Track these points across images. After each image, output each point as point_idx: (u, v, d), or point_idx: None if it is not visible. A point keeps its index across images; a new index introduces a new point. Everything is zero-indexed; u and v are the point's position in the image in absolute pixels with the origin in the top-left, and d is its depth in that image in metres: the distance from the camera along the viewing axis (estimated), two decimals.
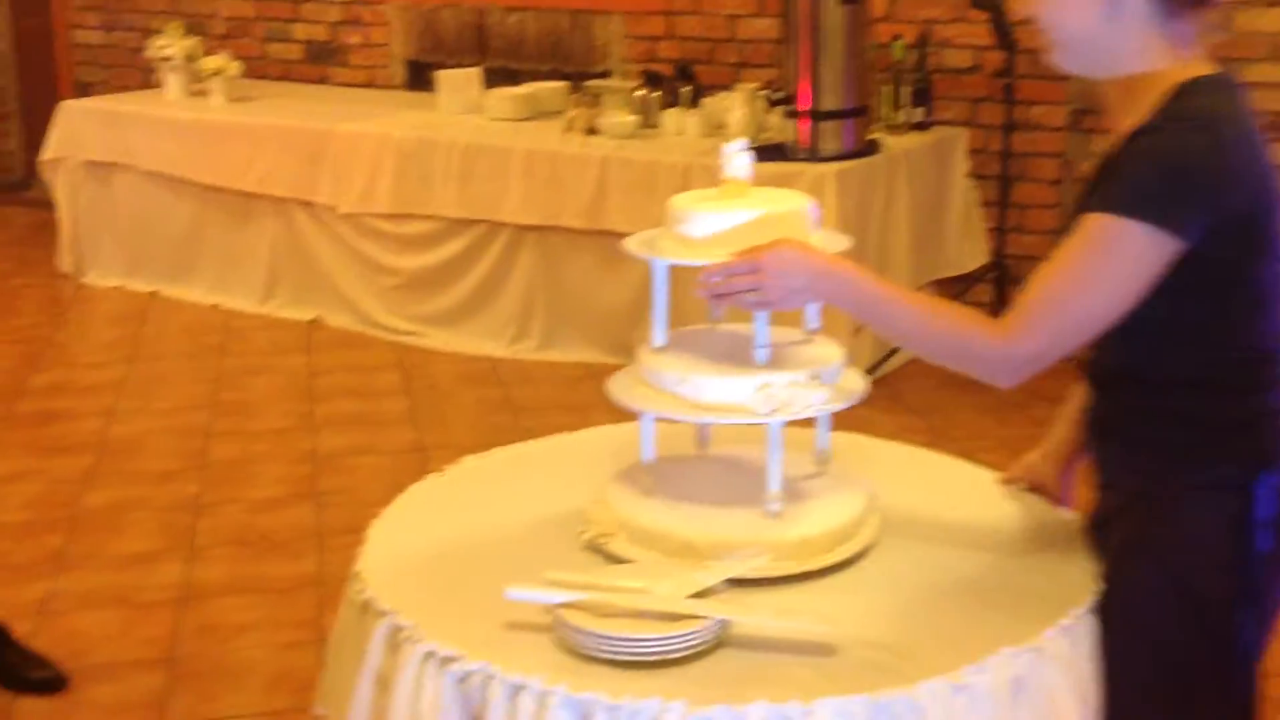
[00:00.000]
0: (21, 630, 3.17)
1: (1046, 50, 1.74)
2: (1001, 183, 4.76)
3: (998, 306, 4.79)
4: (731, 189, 1.88)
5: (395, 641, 1.69)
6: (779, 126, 4.77)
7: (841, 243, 1.91)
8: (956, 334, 1.71)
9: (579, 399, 4.59)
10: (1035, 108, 5.06)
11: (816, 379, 1.81)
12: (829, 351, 1.91)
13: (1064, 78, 4.97)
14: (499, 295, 5.17)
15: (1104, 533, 1.82)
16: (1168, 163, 1.61)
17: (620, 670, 1.60)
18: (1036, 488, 2.01)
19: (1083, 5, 1.68)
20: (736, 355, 1.87)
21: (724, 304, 1.79)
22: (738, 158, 1.87)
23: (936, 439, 4.36)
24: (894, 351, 4.84)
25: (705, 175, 4.68)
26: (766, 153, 4.65)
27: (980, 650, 1.59)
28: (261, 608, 3.37)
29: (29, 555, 3.62)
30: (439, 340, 5.26)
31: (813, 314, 1.95)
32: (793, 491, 1.88)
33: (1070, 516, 1.95)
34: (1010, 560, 1.87)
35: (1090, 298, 1.65)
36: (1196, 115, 1.64)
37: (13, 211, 7.31)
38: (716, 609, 1.66)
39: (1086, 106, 5.00)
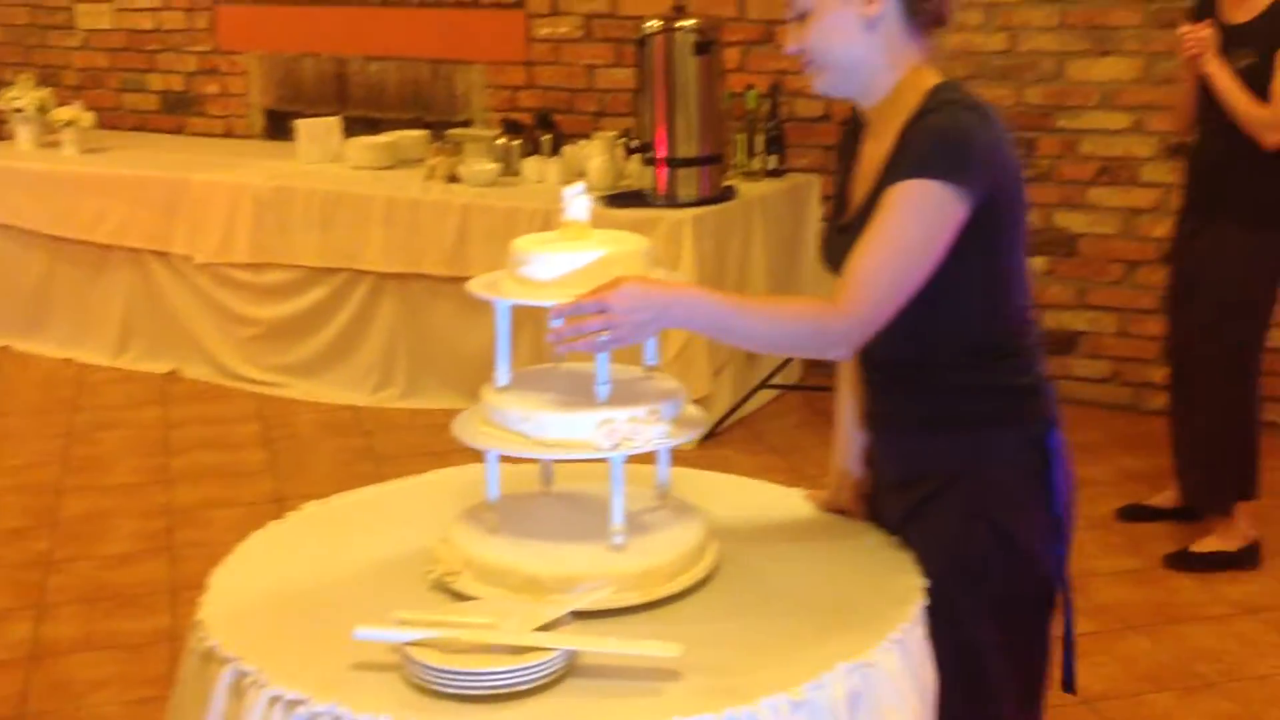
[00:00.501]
0: None
1: (814, 78, 1.93)
2: None
3: None
4: (571, 231, 1.92)
5: (240, 688, 1.69)
6: (637, 173, 4.86)
7: (679, 280, 1.98)
8: (801, 321, 1.85)
9: (442, 446, 4.54)
10: None
11: (656, 414, 1.86)
12: (668, 386, 1.96)
13: None
14: (361, 344, 5.16)
15: (918, 521, 1.95)
16: (950, 133, 1.83)
17: (470, 705, 1.62)
18: (836, 509, 2.13)
19: (846, 28, 1.89)
20: (578, 393, 1.91)
21: (575, 346, 1.80)
22: (577, 200, 1.92)
23: (796, 478, 4.44)
24: (754, 392, 4.94)
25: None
26: (626, 199, 4.76)
27: (817, 667, 1.67)
28: (114, 664, 3.31)
29: None
30: (300, 390, 5.22)
31: (651, 351, 2.00)
32: (635, 524, 1.92)
33: (886, 535, 2.03)
34: (841, 580, 1.95)
35: (904, 258, 1.81)
36: (963, 99, 1.87)
37: None
38: (562, 640, 1.69)
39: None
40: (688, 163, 4.71)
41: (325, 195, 5.14)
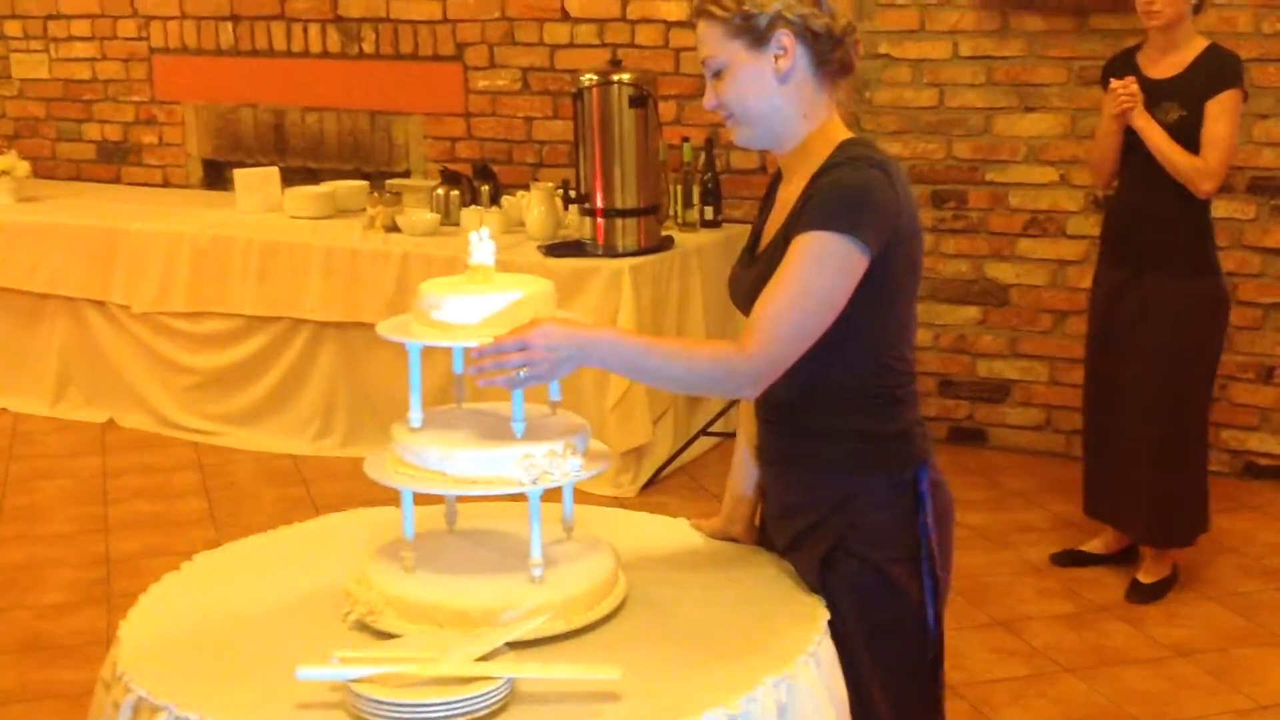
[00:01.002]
0: None
1: (734, 131, 2.06)
2: None
3: None
4: (477, 275, 1.99)
5: None
6: (576, 224, 4.92)
7: (589, 321, 2.05)
8: (712, 363, 1.96)
9: (383, 495, 4.59)
10: None
11: (571, 448, 1.94)
12: (576, 422, 2.04)
13: None
14: (300, 392, 5.16)
15: (797, 551, 2.09)
16: (854, 189, 1.95)
17: None
18: (727, 536, 2.25)
19: (760, 81, 2.01)
20: (490, 431, 1.97)
21: (496, 382, 1.88)
22: (482, 246, 1.99)
23: None
24: (693, 440, 5.00)
25: (503, 270, 4.79)
26: (565, 248, 4.82)
27: (746, 683, 1.77)
28: (51, 714, 3.28)
29: None
30: (239, 439, 5.20)
31: (554, 389, 2.05)
32: (548, 557, 1.97)
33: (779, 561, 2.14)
34: (748, 602, 2.04)
35: (808, 305, 1.93)
36: (867, 157, 2.00)
37: None
38: (506, 669, 1.75)
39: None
40: (625, 213, 4.79)
41: (264, 245, 5.15)
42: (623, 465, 4.71)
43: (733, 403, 5.23)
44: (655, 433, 4.78)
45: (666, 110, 5.32)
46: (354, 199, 5.51)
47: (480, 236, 2.00)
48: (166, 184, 6.41)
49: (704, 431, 5.05)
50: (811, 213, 1.94)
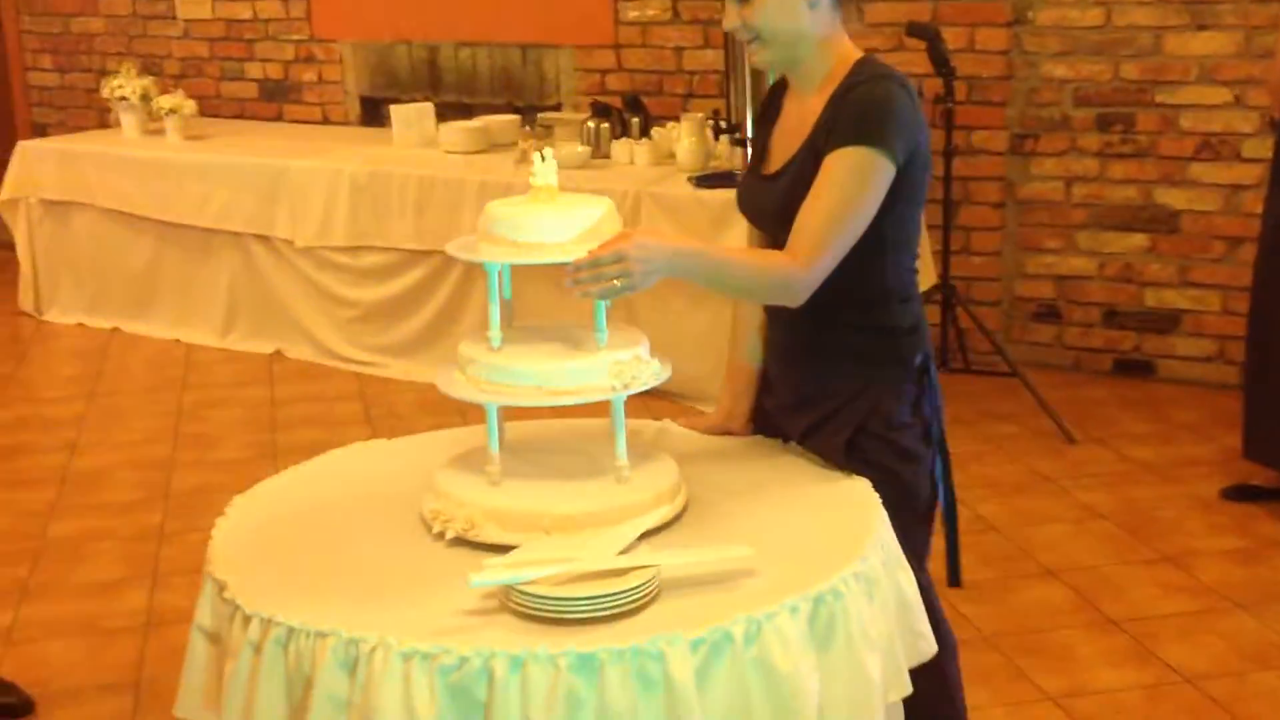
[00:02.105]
0: None
1: (756, 54, 2.18)
2: (945, 207, 4.89)
3: (945, 328, 4.91)
4: (541, 194, 2.03)
5: (358, 656, 1.69)
6: (726, 154, 4.88)
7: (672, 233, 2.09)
8: (773, 273, 2.10)
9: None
10: (976, 133, 5.20)
11: (645, 354, 2.04)
12: (633, 332, 2.10)
13: (1002, 103, 5.14)
14: (456, 324, 5.25)
15: (816, 438, 2.24)
16: (880, 104, 2.09)
17: (595, 626, 1.72)
18: (725, 431, 2.38)
19: (790, 7, 2.14)
20: (565, 343, 2.05)
21: (591, 294, 1.96)
22: (546, 166, 2.04)
23: None
24: None
25: (655, 203, 4.79)
26: (714, 180, 4.78)
27: (853, 548, 1.92)
28: None
29: None
30: (398, 370, 5.33)
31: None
32: (610, 462, 2.03)
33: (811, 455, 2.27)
34: (800, 484, 2.17)
35: (849, 218, 2.09)
36: (887, 72, 2.15)
37: None
38: (654, 558, 1.83)
39: (1025, 131, 5.15)
40: None
41: (420, 179, 5.22)
42: None
43: None
44: None
45: None
46: (506, 133, 5.55)
47: (544, 156, 2.05)
48: (326, 121, 6.54)
49: None
50: (843, 129, 2.08)
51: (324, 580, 1.89)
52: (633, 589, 1.76)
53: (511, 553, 1.86)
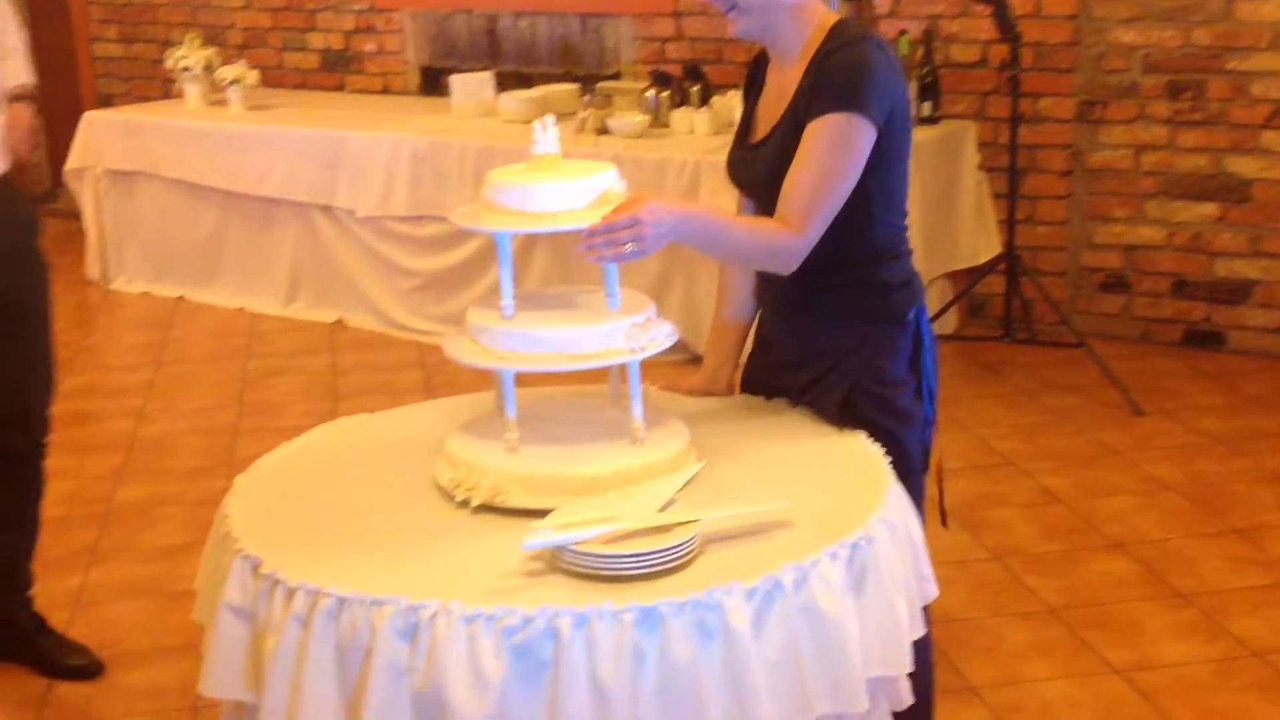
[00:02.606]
0: (58, 620, 3.26)
1: (734, 24, 2.20)
2: (1011, 175, 4.82)
3: (1010, 299, 4.84)
4: (544, 163, 2.05)
5: (420, 623, 1.69)
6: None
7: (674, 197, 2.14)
8: (770, 240, 2.15)
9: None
10: (1042, 100, 5.12)
11: (655, 318, 2.08)
12: (639, 296, 2.12)
13: (1069, 69, 5.05)
14: None
15: (811, 395, 2.28)
16: (858, 68, 2.13)
17: (647, 582, 1.75)
18: (708, 392, 2.41)
19: None
20: (575, 308, 2.08)
21: (605, 258, 1.99)
22: (547, 134, 2.05)
23: (950, 427, 4.42)
24: None
25: (715, 172, 4.75)
26: None
27: (872, 499, 1.96)
28: None
29: (65, 549, 3.71)
30: None
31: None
32: (620, 425, 2.07)
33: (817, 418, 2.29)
34: (802, 440, 2.20)
35: (838, 184, 2.13)
36: (862, 34, 2.19)
37: (40, 222, 7.42)
38: (694, 514, 1.87)
39: (1093, 98, 5.06)
40: None
41: (479, 149, 5.22)
42: None
43: (947, 306, 5.10)
44: None
45: (882, 2, 5.16)
46: (565, 102, 5.53)
47: (544, 125, 2.06)
48: (386, 91, 6.56)
49: None
50: (823, 95, 2.13)
51: (356, 550, 1.89)
52: (682, 544, 1.79)
53: (553, 515, 1.86)
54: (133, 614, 3.38)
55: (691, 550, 1.81)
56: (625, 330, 2.01)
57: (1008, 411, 4.54)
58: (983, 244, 5.21)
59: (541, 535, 1.79)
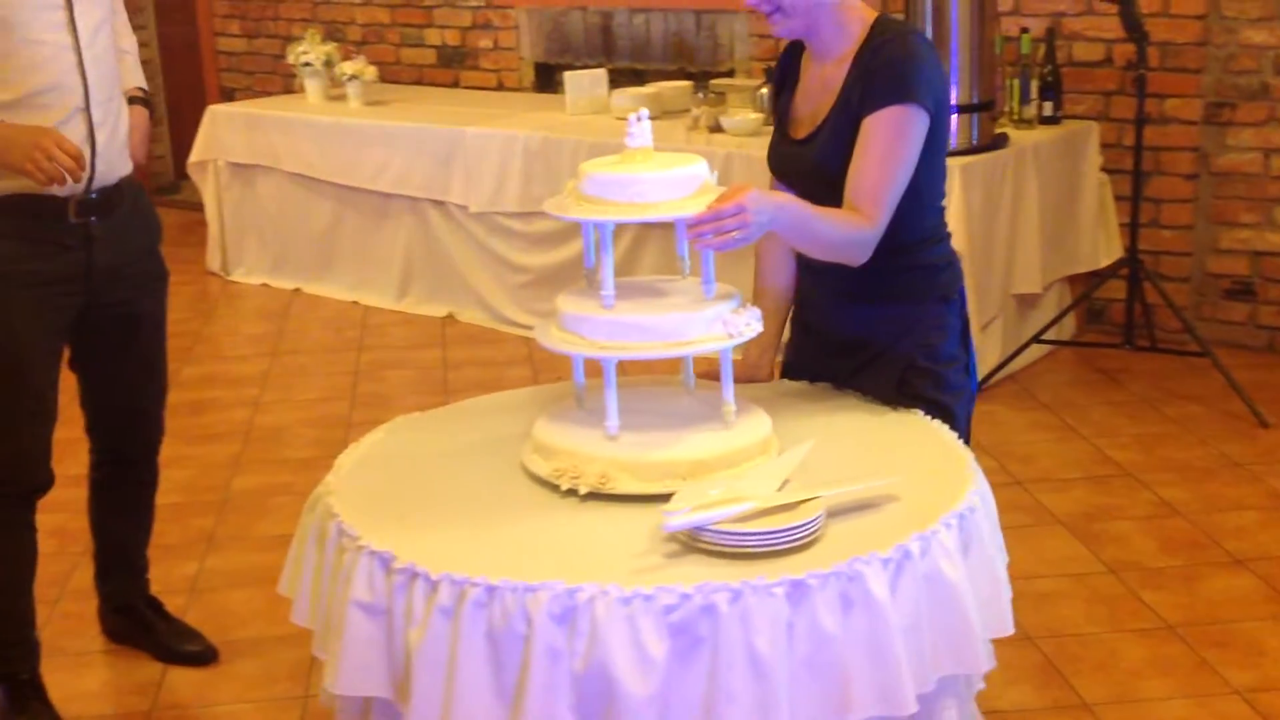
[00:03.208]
0: (175, 605, 3.34)
1: (777, 24, 2.28)
2: (1135, 177, 4.69)
3: (1131, 304, 4.72)
4: (637, 155, 2.09)
5: (578, 606, 1.73)
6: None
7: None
8: (849, 228, 2.22)
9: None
10: (1168, 101, 4.98)
11: (746, 304, 2.12)
12: (724, 285, 2.15)
13: (1198, 70, 4.90)
14: None
15: (864, 376, 2.37)
16: (908, 61, 2.23)
17: (781, 558, 1.82)
18: (751, 379, 2.45)
19: None
20: (663, 297, 2.12)
21: (713, 245, 2.03)
22: (641, 126, 2.10)
23: (1068, 435, 4.33)
24: (1025, 347, 4.80)
25: None
26: None
27: (962, 472, 2.07)
28: None
29: (182, 536, 3.80)
30: None
31: (684, 250, 2.21)
32: (711, 410, 2.13)
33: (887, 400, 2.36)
34: (867, 418, 2.29)
35: (901, 173, 2.23)
36: (907, 28, 2.31)
37: (163, 213, 7.50)
38: (814, 491, 1.93)
39: (1221, 100, 4.91)
40: (957, 109, 4.60)
41: (592, 146, 5.22)
42: None
43: (1065, 310, 4.98)
44: (982, 339, 4.62)
45: None
46: (679, 99, 5.51)
47: (639, 117, 2.10)
48: (500, 87, 6.60)
49: (1036, 339, 4.84)
50: (876, 90, 2.22)
51: (474, 539, 1.92)
52: (814, 520, 1.86)
53: (679, 497, 1.91)
54: (246, 602, 3.44)
55: (821, 526, 1.88)
56: (723, 317, 2.06)
57: (1127, 421, 4.43)
58: (1104, 247, 5.08)
59: (682, 516, 1.83)
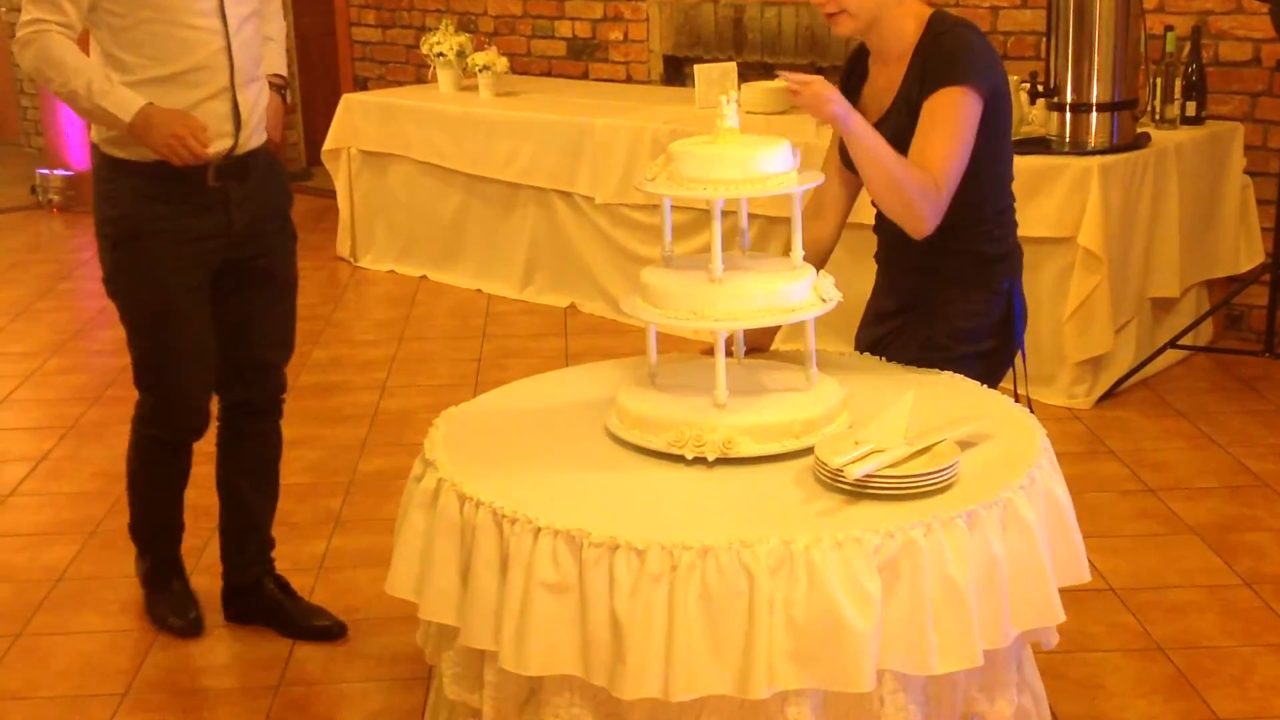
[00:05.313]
0: (302, 584, 3.41)
1: (842, 25, 2.46)
2: None
3: (1273, 310, 4.57)
4: (726, 136, 2.20)
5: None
6: (1043, 119, 4.67)
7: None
8: (918, 178, 2.37)
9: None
10: None
11: (821, 271, 2.26)
12: (783, 259, 2.30)
13: None
14: None
15: (891, 349, 2.60)
16: (962, 48, 2.43)
17: (932, 497, 1.98)
18: (757, 347, 2.60)
19: None
20: (759, 268, 2.24)
21: (812, 109, 2.31)
22: (730, 108, 2.22)
23: (1203, 443, 4.21)
24: (1160, 352, 4.68)
25: None
26: (1028, 145, 4.58)
27: (1028, 423, 2.28)
28: None
29: (310, 515, 3.88)
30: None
31: (747, 238, 2.42)
32: (780, 376, 2.32)
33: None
34: (938, 389, 2.41)
35: (959, 148, 2.40)
36: (962, 22, 2.49)
37: (296, 199, 7.75)
38: (940, 435, 2.10)
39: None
40: (1098, 108, 4.49)
41: None
42: (1077, 375, 4.48)
43: (1204, 315, 4.84)
44: (1116, 343, 4.51)
45: None
46: None
47: (729, 99, 2.22)
48: (629, 79, 6.62)
49: (1172, 344, 4.71)
50: (932, 75, 2.41)
51: (640, 511, 1.99)
52: (956, 461, 2.02)
53: (823, 449, 2.05)
54: (372, 582, 3.49)
55: (957, 469, 2.03)
56: (813, 285, 2.19)
57: (1266, 431, 4.29)
58: (1245, 252, 4.92)
59: (863, 465, 1.98)
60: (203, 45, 2.86)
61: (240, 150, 2.96)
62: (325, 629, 3.23)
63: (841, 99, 2.34)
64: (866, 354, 2.64)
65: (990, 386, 2.53)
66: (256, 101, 2.99)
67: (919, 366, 2.49)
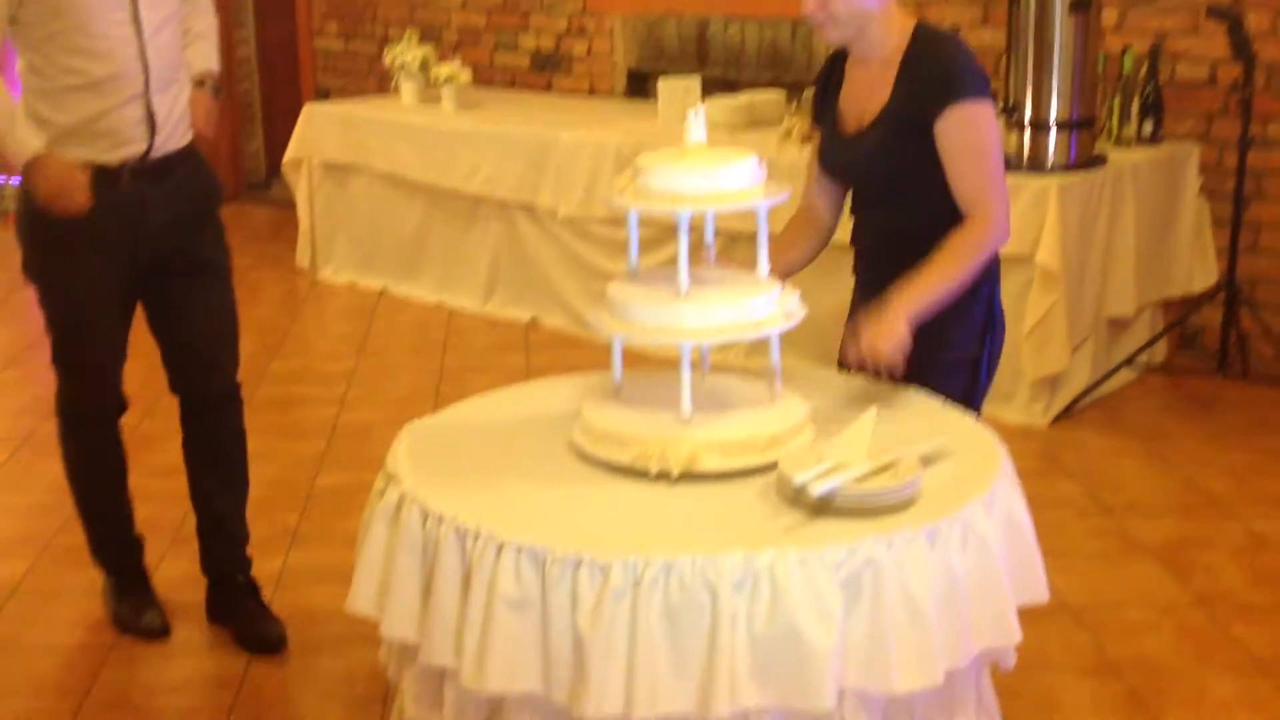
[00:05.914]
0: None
1: (828, 33, 2.48)
2: (1236, 201, 4.59)
3: (1226, 331, 4.62)
4: (692, 150, 2.20)
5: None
6: (1002, 137, 4.70)
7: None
8: (980, 251, 2.43)
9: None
10: (1273, 124, 4.87)
11: (792, 292, 2.26)
12: (751, 274, 2.29)
13: None
14: None
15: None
16: (955, 59, 2.45)
17: (894, 514, 1.98)
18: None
19: None
20: (722, 284, 2.22)
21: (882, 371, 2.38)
22: (697, 123, 2.21)
23: (1157, 463, 4.24)
24: (1114, 371, 4.72)
25: None
26: None
27: (989, 440, 2.29)
28: None
29: (266, 531, 3.84)
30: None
31: (712, 254, 2.40)
32: (742, 391, 2.32)
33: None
34: (913, 417, 2.37)
35: (993, 156, 2.45)
36: (949, 33, 2.53)
37: (255, 209, 7.74)
38: (901, 452, 2.11)
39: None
40: (1057, 126, 4.53)
41: None
42: (1034, 393, 4.52)
43: (1158, 335, 4.89)
44: (1072, 361, 4.55)
45: (1109, 16, 4.98)
46: (771, 110, 5.49)
47: (696, 114, 2.21)
48: (593, 92, 6.62)
49: (1127, 363, 4.76)
50: (939, 92, 2.41)
51: (603, 526, 1.99)
52: (918, 477, 2.03)
53: (786, 463, 2.04)
54: (330, 599, 3.46)
55: (920, 485, 2.04)
56: (777, 301, 2.19)
57: (1219, 451, 4.33)
58: (1199, 272, 4.98)
59: (825, 481, 1.99)
60: (115, 53, 2.88)
61: (156, 154, 2.99)
62: (270, 641, 3.22)
63: (892, 332, 2.34)
64: (832, 369, 2.66)
65: (978, 394, 2.59)
66: (174, 105, 3.01)
67: (908, 378, 2.46)
